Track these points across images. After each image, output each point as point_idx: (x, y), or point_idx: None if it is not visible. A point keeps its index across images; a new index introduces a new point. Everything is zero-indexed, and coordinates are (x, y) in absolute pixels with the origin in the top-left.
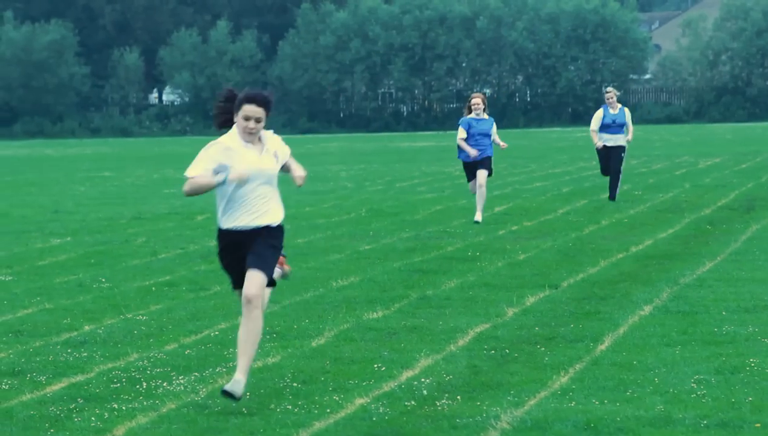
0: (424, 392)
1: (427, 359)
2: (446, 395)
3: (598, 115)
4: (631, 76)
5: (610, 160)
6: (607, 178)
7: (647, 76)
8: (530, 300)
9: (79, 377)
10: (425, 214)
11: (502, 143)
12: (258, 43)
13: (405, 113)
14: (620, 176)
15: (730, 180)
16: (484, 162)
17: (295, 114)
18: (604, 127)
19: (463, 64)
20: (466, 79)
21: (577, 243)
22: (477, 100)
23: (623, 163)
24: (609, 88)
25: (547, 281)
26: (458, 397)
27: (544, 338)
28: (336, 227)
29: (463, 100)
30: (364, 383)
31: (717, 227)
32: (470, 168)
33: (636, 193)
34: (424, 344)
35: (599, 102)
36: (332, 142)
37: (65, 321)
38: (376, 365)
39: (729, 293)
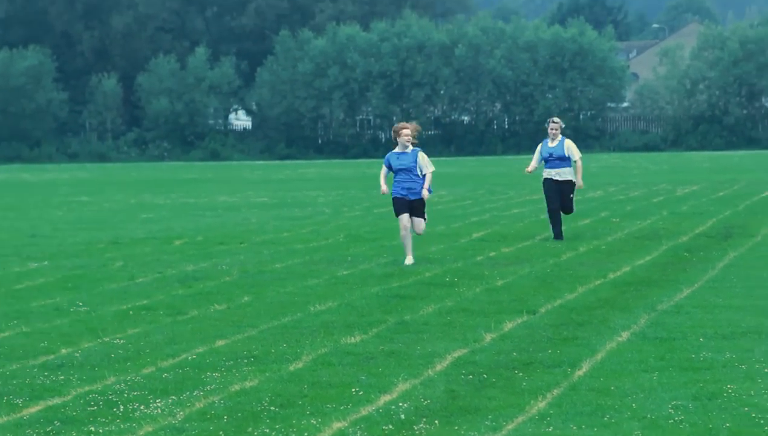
0: (402, 416)
1: (405, 383)
2: (424, 419)
3: (537, 149)
4: (608, 104)
5: (562, 196)
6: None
7: (625, 105)
8: (508, 326)
9: (56, 400)
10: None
11: (425, 190)
12: (236, 69)
13: (383, 140)
14: (571, 213)
15: (708, 208)
16: (416, 206)
17: (273, 140)
18: (547, 161)
19: (441, 92)
20: (444, 107)
21: (555, 269)
22: (409, 131)
23: (573, 203)
24: (554, 119)
25: (524, 306)
26: (436, 421)
27: (521, 363)
28: (314, 252)
29: (442, 127)
30: (341, 407)
31: (694, 254)
32: (398, 206)
33: (614, 220)
34: (402, 368)
35: (577, 130)
36: (310, 168)
37: (42, 344)
38: (353, 390)
39: (706, 320)
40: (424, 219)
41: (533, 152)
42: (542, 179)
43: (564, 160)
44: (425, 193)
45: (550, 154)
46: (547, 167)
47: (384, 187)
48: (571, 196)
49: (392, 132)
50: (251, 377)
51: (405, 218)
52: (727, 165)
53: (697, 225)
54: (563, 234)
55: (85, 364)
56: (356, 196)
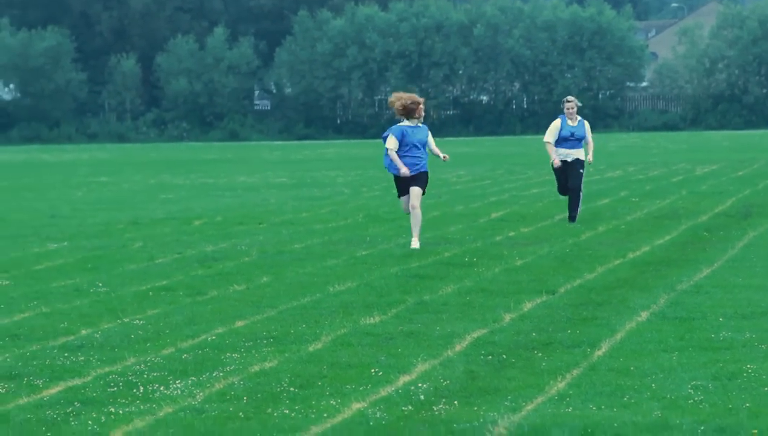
0: (422, 397)
1: (425, 364)
2: (443, 400)
3: (555, 125)
4: (627, 83)
5: (569, 176)
6: (566, 199)
7: (644, 84)
8: (527, 306)
9: (76, 381)
10: (422, 220)
11: (442, 155)
12: (255, 49)
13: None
14: (581, 194)
15: (727, 187)
16: (419, 177)
17: (292, 120)
18: (561, 141)
19: (460, 72)
20: (463, 86)
21: (574, 249)
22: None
23: (583, 180)
24: (570, 97)
25: (544, 286)
26: (455, 402)
27: (541, 343)
28: (333, 232)
29: (461, 106)
30: (361, 388)
31: (714, 233)
32: (403, 183)
33: (633, 199)
34: (422, 349)
35: (596, 109)
36: (329, 148)
37: (62, 325)
38: (373, 370)
39: (726, 300)
40: (423, 192)
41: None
42: (551, 160)
43: (580, 141)
44: (443, 155)
45: (572, 134)
46: (560, 147)
47: (405, 169)
48: (581, 171)
49: (402, 106)
50: (270, 357)
51: (405, 200)
52: (747, 144)
53: (716, 204)
54: (577, 218)
55: (105, 345)
56: (375, 176)
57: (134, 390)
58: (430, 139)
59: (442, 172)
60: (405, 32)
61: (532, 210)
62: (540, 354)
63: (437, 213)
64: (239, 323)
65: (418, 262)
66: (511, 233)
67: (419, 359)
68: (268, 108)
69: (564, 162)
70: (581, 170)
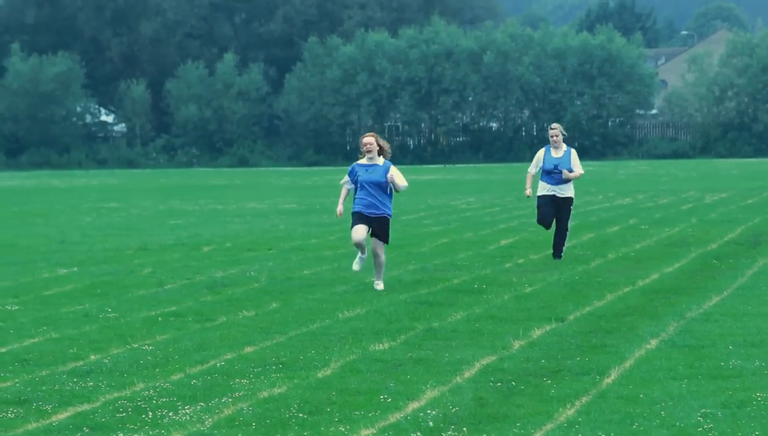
0: (430, 423)
1: (433, 390)
2: (452, 426)
3: (538, 156)
4: (637, 111)
5: (558, 212)
6: (547, 231)
7: (653, 112)
8: (536, 333)
9: (85, 406)
10: (431, 247)
11: (399, 183)
12: (264, 76)
13: (411, 147)
14: (568, 233)
15: (737, 215)
16: (379, 224)
17: (302, 147)
18: (546, 174)
19: (470, 98)
20: (473, 113)
21: (584, 276)
22: (367, 140)
23: (570, 219)
24: (554, 125)
25: (553, 314)
26: (464, 429)
27: (550, 370)
28: (342, 258)
29: (470, 133)
30: (369, 414)
31: (723, 261)
32: (357, 217)
33: (642, 227)
34: (430, 375)
35: (605, 137)
36: (338, 174)
37: (71, 350)
38: (382, 397)
39: (735, 328)
40: (386, 242)
41: None
42: (538, 194)
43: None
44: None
45: (555, 166)
46: (545, 181)
47: (341, 209)
48: (571, 208)
49: (370, 144)
50: (279, 383)
51: (357, 230)
52: (756, 172)
53: (726, 232)
54: (562, 254)
55: (113, 370)
56: None
57: (143, 416)
58: (393, 181)
59: (452, 199)
60: (415, 59)
61: (541, 237)
62: (549, 381)
63: (446, 240)
64: (248, 349)
65: (427, 289)
66: (521, 260)
67: (428, 385)
68: (278, 134)
69: (551, 198)
70: (570, 207)
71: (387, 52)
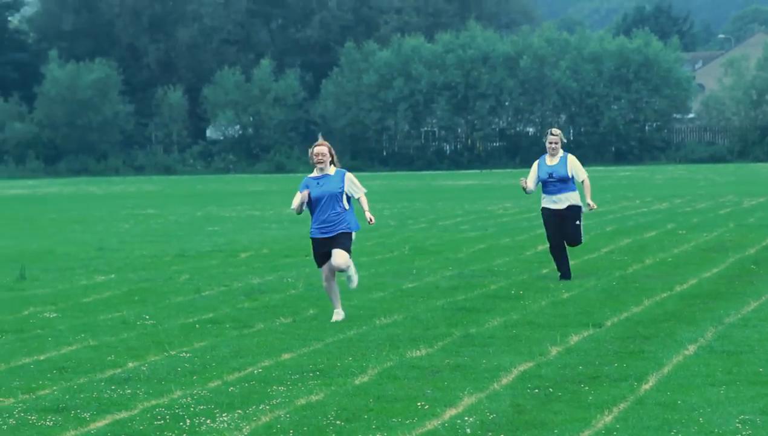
0: (468, 430)
1: (471, 397)
2: (489, 433)
3: (534, 168)
4: (674, 115)
5: (565, 230)
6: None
7: (691, 116)
8: (574, 339)
9: (123, 414)
10: (468, 253)
11: (368, 216)
12: (301, 81)
13: (448, 152)
14: (582, 241)
15: None
16: (336, 240)
17: (338, 152)
18: (544, 184)
19: (506, 103)
20: (509, 118)
21: (621, 282)
22: (319, 150)
23: (582, 235)
24: (555, 131)
25: (590, 319)
26: (502, 435)
27: (587, 376)
28: (379, 265)
29: (507, 138)
30: (407, 421)
31: (762, 266)
32: (320, 248)
33: (680, 232)
34: (468, 382)
35: (642, 141)
36: (375, 180)
37: (109, 358)
38: (419, 403)
39: None
40: (348, 250)
41: (599, 164)
42: (541, 208)
43: (566, 182)
44: (369, 216)
45: (550, 175)
46: (545, 193)
47: (296, 204)
48: (578, 223)
49: (322, 155)
50: (317, 390)
51: (326, 269)
52: None
53: (764, 237)
54: (571, 272)
55: (151, 377)
56: (421, 208)
57: (181, 423)
58: (351, 189)
59: (489, 205)
60: (451, 64)
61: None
62: (587, 388)
63: (483, 246)
64: (285, 356)
65: (464, 295)
66: None
67: (465, 392)
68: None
69: (556, 212)
70: (577, 222)
71: (423, 57)
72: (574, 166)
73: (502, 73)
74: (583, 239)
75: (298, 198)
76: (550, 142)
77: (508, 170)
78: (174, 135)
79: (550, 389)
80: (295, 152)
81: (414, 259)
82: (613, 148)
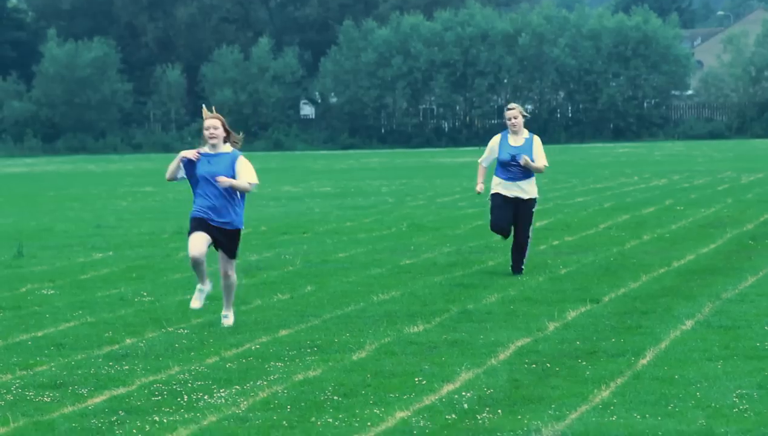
0: (465, 405)
1: (468, 372)
2: (487, 408)
3: (492, 145)
4: (673, 92)
5: (516, 221)
6: (499, 236)
7: (689, 93)
8: (571, 315)
9: (121, 390)
10: (466, 229)
11: (244, 184)
12: (300, 59)
13: (446, 129)
14: (529, 241)
15: None
16: (226, 236)
17: (337, 130)
18: (501, 166)
19: (505, 81)
20: (508, 96)
21: (619, 258)
22: (210, 123)
23: (532, 225)
24: (512, 105)
25: (588, 295)
26: (499, 411)
27: (585, 352)
28: (377, 241)
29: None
30: (404, 397)
31: (759, 242)
32: (197, 220)
33: (678, 208)
34: (465, 357)
35: (641, 118)
36: (373, 157)
37: (107, 334)
38: (416, 379)
39: None
40: (234, 258)
41: (597, 141)
42: (491, 193)
43: (528, 169)
44: (221, 178)
45: (513, 157)
46: (501, 177)
47: (170, 170)
48: (532, 212)
49: (214, 128)
50: (314, 366)
51: (196, 239)
52: None
53: (762, 213)
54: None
55: (149, 354)
56: (419, 185)
57: (179, 399)
58: (242, 168)
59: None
60: (450, 41)
61: (576, 219)
62: (584, 363)
63: (481, 222)
64: (283, 332)
65: (462, 271)
66: (555, 242)
67: (463, 367)
68: (313, 117)
69: (508, 199)
70: (531, 212)
71: (422, 34)
72: (538, 151)
73: (500, 50)
74: (531, 233)
75: (175, 163)
76: (509, 119)
77: None
78: (172, 113)
79: (548, 365)
80: (293, 130)
81: (412, 235)
82: (612, 125)
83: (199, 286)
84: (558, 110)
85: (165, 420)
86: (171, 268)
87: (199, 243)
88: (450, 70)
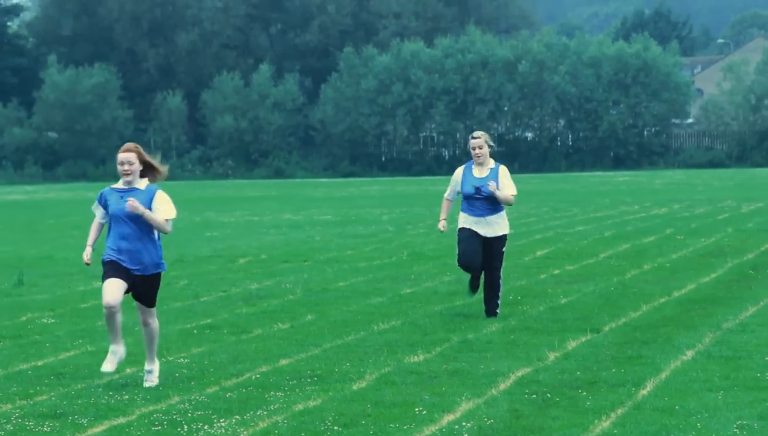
0: None
1: (469, 402)
2: None
3: (456, 176)
4: (673, 120)
5: (486, 259)
6: (473, 276)
7: (689, 121)
8: (572, 344)
9: (121, 420)
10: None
11: (158, 218)
12: (300, 86)
13: (447, 157)
14: (500, 282)
15: None
16: (145, 285)
17: (337, 157)
18: (466, 201)
19: (505, 108)
20: (508, 123)
21: (619, 287)
22: (124, 156)
23: (503, 265)
24: (477, 133)
25: (588, 325)
26: None
27: (585, 382)
28: (377, 270)
29: (506, 143)
30: (405, 427)
31: (760, 271)
32: (111, 265)
33: (679, 237)
34: (466, 387)
35: (641, 146)
36: (374, 185)
37: None
38: (417, 409)
39: None
40: (153, 306)
41: (597, 169)
42: (458, 228)
43: (496, 202)
44: (133, 204)
45: (477, 190)
46: (468, 212)
47: (88, 252)
48: (503, 250)
49: (129, 163)
50: (315, 396)
51: (110, 285)
52: None
53: (762, 242)
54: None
55: None
56: (420, 213)
57: (178, 429)
58: (159, 209)
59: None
60: (450, 68)
61: (577, 248)
62: (584, 393)
63: None
64: (283, 362)
65: (462, 300)
66: (556, 271)
67: (463, 397)
68: (314, 145)
69: (477, 234)
70: (502, 250)
71: (422, 61)
72: (505, 181)
73: (501, 78)
74: (501, 273)
75: (94, 228)
76: (473, 148)
77: None
78: (173, 140)
79: (548, 395)
80: (294, 157)
81: (413, 264)
82: (612, 153)
83: (112, 347)
84: (558, 138)
85: None
86: (171, 296)
87: (114, 289)
88: (450, 97)
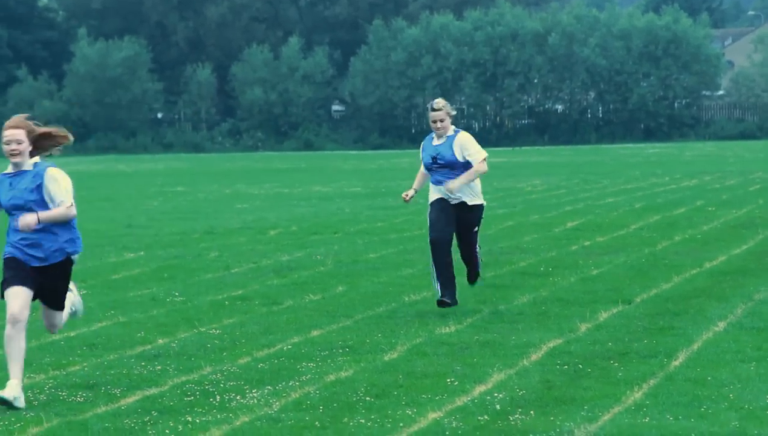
0: (497, 406)
1: (500, 373)
2: (519, 409)
3: (421, 147)
4: (703, 92)
5: (459, 225)
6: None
7: (720, 93)
8: (603, 315)
9: (153, 390)
10: (497, 230)
11: (59, 213)
12: (329, 59)
13: (476, 129)
14: (479, 254)
15: None
16: (52, 277)
17: (367, 130)
18: (429, 171)
19: (535, 81)
20: (538, 96)
21: (650, 258)
22: (10, 134)
23: (478, 238)
24: (437, 101)
25: (620, 296)
26: (531, 412)
27: (617, 353)
28: (408, 241)
29: (535, 116)
30: (436, 398)
31: None
32: (12, 270)
33: (709, 209)
34: (497, 358)
35: (672, 118)
36: (403, 157)
37: (139, 334)
38: (448, 380)
39: None
40: (62, 309)
41: (628, 142)
42: (430, 201)
43: (455, 169)
44: (33, 218)
45: (434, 159)
46: (432, 182)
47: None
48: (476, 229)
49: (16, 141)
50: (346, 367)
51: (17, 296)
52: None
53: None
54: (456, 296)
55: (181, 354)
56: None
57: (211, 399)
58: (56, 195)
59: (518, 182)
60: (480, 41)
61: (607, 219)
62: (616, 364)
63: (512, 223)
64: (315, 333)
65: (493, 271)
66: (587, 243)
67: (495, 368)
68: (343, 117)
69: (446, 203)
70: (475, 229)
71: (452, 34)
72: (463, 144)
73: (530, 50)
74: (480, 258)
75: None
76: (434, 121)
77: (537, 147)
78: (203, 113)
79: (580, 366)
80: (323, 130)
81: None
82: (642, 126)
83: (12, 381)
84: (588, 110)
85: (197, 420)
86: (202, 268)
87: (19, 298)
88: (480, 69)
